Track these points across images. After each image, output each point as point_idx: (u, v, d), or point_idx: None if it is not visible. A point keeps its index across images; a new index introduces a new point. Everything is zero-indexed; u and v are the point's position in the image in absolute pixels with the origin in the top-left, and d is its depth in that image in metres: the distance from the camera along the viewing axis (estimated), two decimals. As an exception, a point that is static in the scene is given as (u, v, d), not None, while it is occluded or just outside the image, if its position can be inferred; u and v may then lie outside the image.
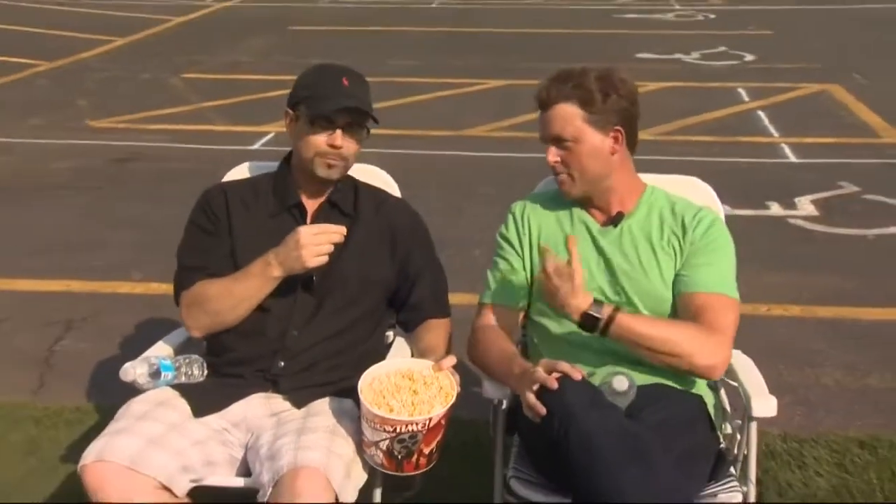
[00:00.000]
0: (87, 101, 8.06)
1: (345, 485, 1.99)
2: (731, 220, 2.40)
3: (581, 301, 2.03)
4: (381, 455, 1.99)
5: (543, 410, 1.92)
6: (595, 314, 2.04)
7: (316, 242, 2.13)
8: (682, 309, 2.20)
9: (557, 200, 2.39)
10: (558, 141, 2.20)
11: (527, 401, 1.97)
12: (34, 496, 2.79)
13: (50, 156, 6.51)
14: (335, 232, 2.15)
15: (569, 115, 2.18)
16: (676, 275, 2.24)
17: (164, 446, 2.04)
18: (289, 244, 2.15)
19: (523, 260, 2.35)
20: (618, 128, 2.23)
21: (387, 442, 1.95)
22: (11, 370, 3.61)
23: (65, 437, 3.08)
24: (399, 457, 1.97)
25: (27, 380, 3.54)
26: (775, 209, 5.28)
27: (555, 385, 1.92)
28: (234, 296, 2.23)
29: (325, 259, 2.16)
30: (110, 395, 2.25)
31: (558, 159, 2.22)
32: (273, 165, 2.48)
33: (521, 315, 2.37)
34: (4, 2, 14.07)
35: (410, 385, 2.02)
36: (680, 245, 2.26)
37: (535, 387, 1.96)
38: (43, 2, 14.36)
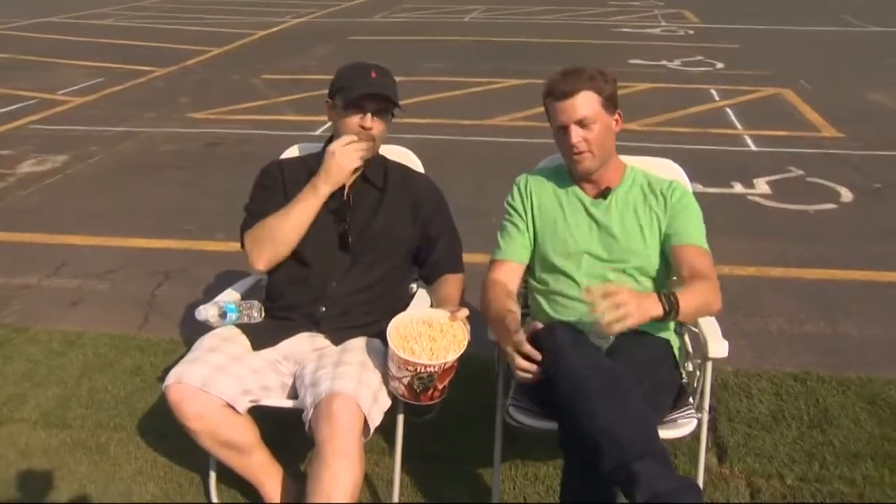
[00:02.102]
0: (188, 98, 8.03)
1: (372, 408, 1.96)
2: (702, 197, 2.33)
3: (651, 306, 1.86)
4: (402, 388, 1.96)
5: (529, 376, 1.89)
6: (671, 303, 1.90)
7: (347, 150, 2.07)
8: (677, 257, 2.16)
9: (555, 176, 2.33)
10: (581, 122, 2.12)
11: (513, 364, 1.93)
12: (140, 407, 2.82)
13: (159, 140, 6.50)
14: (360, 144, 2.06)
15: (590, 100, 2.12)
16: (665, 233, 2.20)
17: (228, 373, 2.03)
18: (327, 162, 2.09)
19: (527, 223, 2.29)
20: (619, 111, 2.19)
21: (408, 378, 1.92)
22: (123, 309, 3.62)
23: (161, 363, 3.10)
24: (417, 390, 1.94)
25: (135, 317, 3.55)
26: (738, 188, 5.15)
27: (528, 366, 1.89)
28: (291, 218, 2.14)
29: (359, 162, 2.07)
30: (196, 330, 2.24)
31: (581, 139, 2.13)
32: (318, 146, 2.42)
33: (524, 268, 2.31)
34: (134, 23, 14.11)
35: (430, 332, 1.97)
36: (662, 212, 2.22)
37: (520, 351, 1.91)
38: (158, 22, 14.38)
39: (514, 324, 2.04)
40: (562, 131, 2.16)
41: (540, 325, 1.98)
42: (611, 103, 2.16)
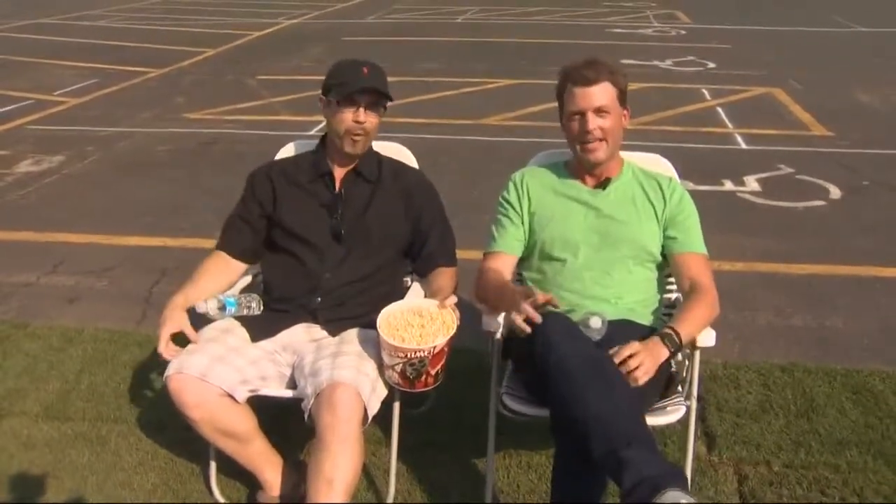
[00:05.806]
0: (183, 98, 8.06)
1: (371, 398, 2.01)
2: (693, 194, 2.38)
3: (660, 352, 1.99)
4: (396, 376, 2.01)
5: (528, 329, 1.94)
6: (675, 342, 2.02)
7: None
8: (678, 265, 2.25)
9: (551, 170, 2.39)
10: (599, 111, 2.19)
11: (514, 321, 1.98)
12: (139, 400, 2.86)
13: (155, 140, 6.52)
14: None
15: (609, 91, 2.20)
16: (667, 236, 2.27)
17: (228, 363, 2.07)
18: (164, 315, 2.19)
19: (522, 217, 2.34)
20: (628, 106, 2.26)
21: (400, 365, 1.97)
22: (121, 306, 3.67)
23: (160, 358, 3.11)
24: (411, 377, 1.99)
25: (133, 313, 3.59)
26: (728, 185, 5.21)
27: (538, 318, 1.93)
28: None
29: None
30: (194, 325, 2.26)
31: (597, 126, 2.19)
32: (313, 144, 2.47)
33: (516, 261, 2.36)
34: (128, 25, 14.13)
35: (419, 321, 2.03)
36: (660, 205, 2.28)
37: (522, 315, 1.96)
38: (152, 23, 14.38)
39: (514, 288, 2.11)
40: (578, 117, 2.21)
41: (541, 297, 2.00)
42: (623, 98, 2.24)
